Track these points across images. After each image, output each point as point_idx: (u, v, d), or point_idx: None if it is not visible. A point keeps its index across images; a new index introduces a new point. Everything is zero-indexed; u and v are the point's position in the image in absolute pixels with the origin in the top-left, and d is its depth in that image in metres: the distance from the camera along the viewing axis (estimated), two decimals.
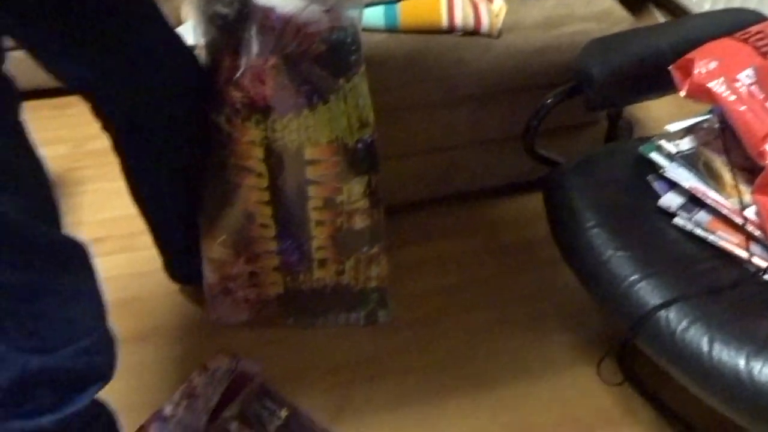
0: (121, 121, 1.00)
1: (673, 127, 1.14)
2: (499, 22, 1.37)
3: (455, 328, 1.37)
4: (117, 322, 1.35)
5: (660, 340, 0.90)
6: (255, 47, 0.97)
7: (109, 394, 1.22)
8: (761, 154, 0.90)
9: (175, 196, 1.17)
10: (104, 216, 1.59)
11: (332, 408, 1.22)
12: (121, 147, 1.07)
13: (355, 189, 1.12)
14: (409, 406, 1.23)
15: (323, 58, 0.97)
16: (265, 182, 1.09)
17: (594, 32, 1.35)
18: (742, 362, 0.83)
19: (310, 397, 1.24)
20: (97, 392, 0.71)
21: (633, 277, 0.96)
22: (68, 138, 1.80)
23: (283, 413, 1.20)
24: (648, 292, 0.94)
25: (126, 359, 1.29)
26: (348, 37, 0.97)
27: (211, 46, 1.00)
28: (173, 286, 1.42)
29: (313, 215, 1.14)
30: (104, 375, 0.71)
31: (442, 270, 1.48)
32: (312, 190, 1.11)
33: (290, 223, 1.15)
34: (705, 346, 0.86)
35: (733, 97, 0.92)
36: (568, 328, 1.36)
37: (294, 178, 1.09)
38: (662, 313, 0.91)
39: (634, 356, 1.25)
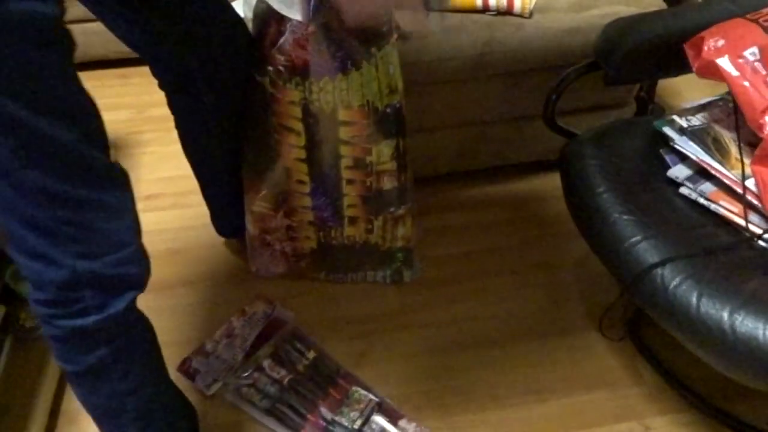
0: (175, 81, 1.13)
1: (689, 104, 1.20)
2: (532, 3, 1.44)
3: (475, 290, 1.46)
4: (167, 269, 1.52)
5: (654, 296, 0.98)
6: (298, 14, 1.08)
7: (159, 330, 1.38)
8: (760, 126, 0.96)
9: (222, 152, 1.30)
10: (160, 175, 1.74)
11: (355, 354, 1.34)
12: (174, 105, 1.20)
13: (384, 151, 1.23)
14: (425, 357, 1.33)
15: (357, 28, 1.07)
16: (302, 141, 1.21)
17: (623, 14, 1.40)
18: (725, 315, 0.90)
19: (336, 343, 1.35)
20: (132, 299, 0.82)
21: (635, 238, 1.03)
22: (131, 104, 1.96)
23: (311, 355, 1.32)
24: (647, 252, 1.01)
25: (174, 301, 1.46)
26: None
27: (260, 15, 1.12)
28: (219, 239, 1.56)
29: (345, 174, 1.25)
30: (138, 284, 0.82)
31: (466, 237, 1.57)
32: (344, 150, 1.21)
33: (324, 180, 1.27)
34: (694, 300, 0.93)
35: (737, 73, 0.97)
36: (584, 295, 1.43)
37: (328, 137, 1.20)
38: (658, 270, 0.98)
39: (639, 318, 1.32)
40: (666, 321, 0.98)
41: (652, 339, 1.31)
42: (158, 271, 1.49)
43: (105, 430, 0.96)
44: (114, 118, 1.93)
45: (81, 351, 0.81)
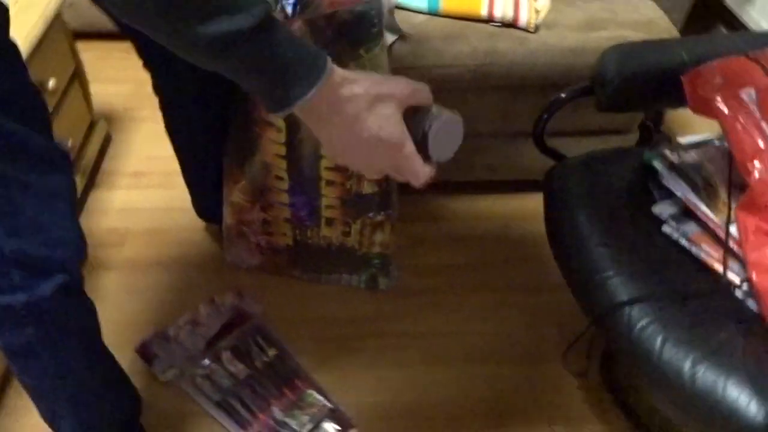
0: (159, 63, 1.11)
1: (686, 139, 1.16)
2: (539, 18, 1.40)
3: (451, 305, 1.42)
4: (144, 249, 1.51)
5: (619, 335, 0.93)
6: (288, 8, 1.05)
7: (125, 309, 1.37)
8: (749, 172, 0.91)
9: (205, 138, 1.27)
10: (150, 153, 1.72)
11: (318, 357, 1.31)
12: (158, 86, 1.18)
13: None
14: (389, 369, 1.30)
15: (346, 28, 1.04)
16: (282, 137, 1.18)
17: (631, 39, 1.36)
18: (687, 365, 0.85)
19: (300, 343, 1.33)
20: (62, 283, 0.79)
21: (608, 272, 0.99)
22: (133, 79, 1.91)
23: (272, 352, 1.30)
24: (618, 288, 0.96)
25: (145, 282, 1.44)
26: (372, 10, 1.03)
27: None
28: (200, 224, 1.54)
29: (324, 175, 1.22)
30: (68, 269, 0.80)
31: (449, 249, 1.54)
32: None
33: (302, 179, 1.24)
34: (657, 346, 0.88)
35: (730, 113, 0.93)
36: (560, 323, 1.39)
37: (310, 136, 1.16)
38: (626, 309, 0.93)
39: (611, 355, 1.28)
40: (629, 362, 0.94)
41: (625, 377, 1.26)
42: (135, 249, 1.51)
43: (40, 409, 0.95)
44: (114, 91, 1.92)
45: (10, 328, 0.80)
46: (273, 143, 1.20)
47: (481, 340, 1.36)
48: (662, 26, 1.44)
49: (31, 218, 0.74)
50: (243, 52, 0.54)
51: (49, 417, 0.97)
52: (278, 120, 1.16)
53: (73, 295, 0.85)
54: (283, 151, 1.20)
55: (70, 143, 1.49)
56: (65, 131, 1.50)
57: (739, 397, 0.80)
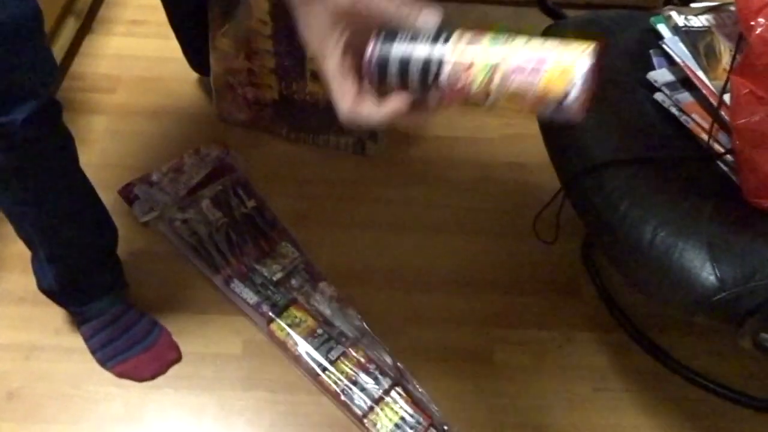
0: None
1: (701, 3, 1.06)
2: None
3: (436, 177, 1.39)
4: (136, 96, 1.49)
5: (588, 197, 0.90)
6: None
7: (112, 152, 1.37)
8: (750, 28, 0.82)
9: None
10: (148, 2, 1.67)
11: (296, 214, 1.31)
12: None
13: None
14: (366, 231, 1.30)
15: None
16: None
17: None
18: (649, 229, 0.82)
19: (280, 199, 1.32)
20: (31, 109, 0.77)
21: (586, 135, 0.94)
22: None
23: (251, 204, 1.30)
24: (593, 151, 0.92)
25: (134, 127, 1.44)
26: None
27: None
28: (193, 76, 1.51)
29: None
30: (34, 93, 0.78)
31: (439, 121, 1.48)
32: None
33: (288, 24, 1.18)
34: (622, 209, 0.85)
35: None
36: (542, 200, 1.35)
37: None
38: (600, 172, 0.89)
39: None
40: (592, 225, 0.91)
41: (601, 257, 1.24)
42: (127, 96, 1.50)
43: (18, 233, 0.97)
44: None
45: None
46: None
47: (461, 212, 1.34)
48: None
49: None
50: None
51: (26, 240, 0.99)
52: None
53: (45, 123, 0.83)
54: None
55: None
56: None
57: (694, 260, 0.77)
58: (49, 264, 0.99)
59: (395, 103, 0.50)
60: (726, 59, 0.95)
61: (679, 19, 1.00)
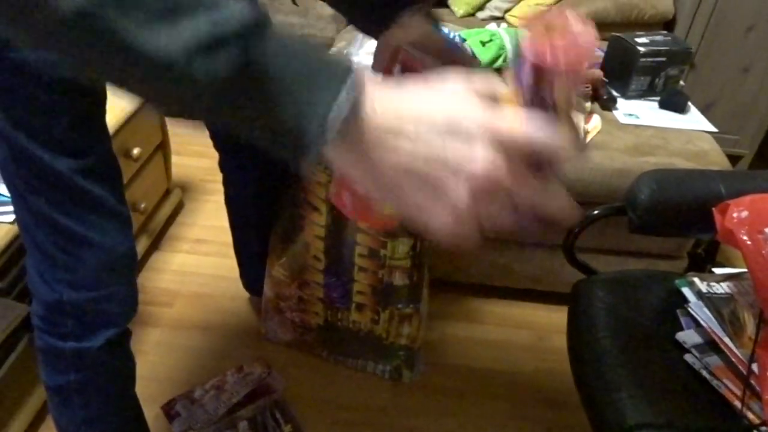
0: (226, 144, 1.24)
1: (721, 270, 1.14)
2: (589, 137, 1.45)
3: (471, 409, 1.40)
4: (189, 310, 1.60)
5: None
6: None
7: (161, 365, 1.44)
8: None
9: (257, 214, 1.38)
10: (213, 223, 1.85)
11: None
12: (223, 164, 1.30)
13: (399, 248, 1.25)
14: None
15: None
16: (323, 220, 1.26)
17: (677, 167, 1.39)
18: None
19: (317, 424, 1.34)
20: (110, 337, 0.86)
21: (621, 393, 0.97)
22: (213, 155, 2.12)
23: (287, 429, 1.32)
24: (629, 411, 0.94)
25: (184, 341, 1.52)
26: None
27: None
28: (244, 295, 1.63)
29: (358, 261, 1.28)
30: (116, 323, 0.87)
31: (476, 351, 1.53)
32: (360, 238, 1.25)
33: (338, 262, 1.30)
34: None
35: (753, 247, 0.92)
36: None
37: (348, 222, 1.24)
38: None
39: None
40: None
41: None
42: (181, 310, 1.61)
43: None
44: (195, 164, 2.10)
45: (55, 370, 0.87)
46: (314, 224, 1.28)
47: None
48: (714, 159, 1.45)
49: (89, 273, 0.81)
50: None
51: None
52: (321, 204, 1.25)
53: (117, 348, 0.91)
54: (322, 233, 1.28)
55: (143, 206, 1.64)
56: (142, 195, 1.65)
57: None
58: None
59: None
60: (750, 328, 1.00)
61: (702, 286, 1.08)
